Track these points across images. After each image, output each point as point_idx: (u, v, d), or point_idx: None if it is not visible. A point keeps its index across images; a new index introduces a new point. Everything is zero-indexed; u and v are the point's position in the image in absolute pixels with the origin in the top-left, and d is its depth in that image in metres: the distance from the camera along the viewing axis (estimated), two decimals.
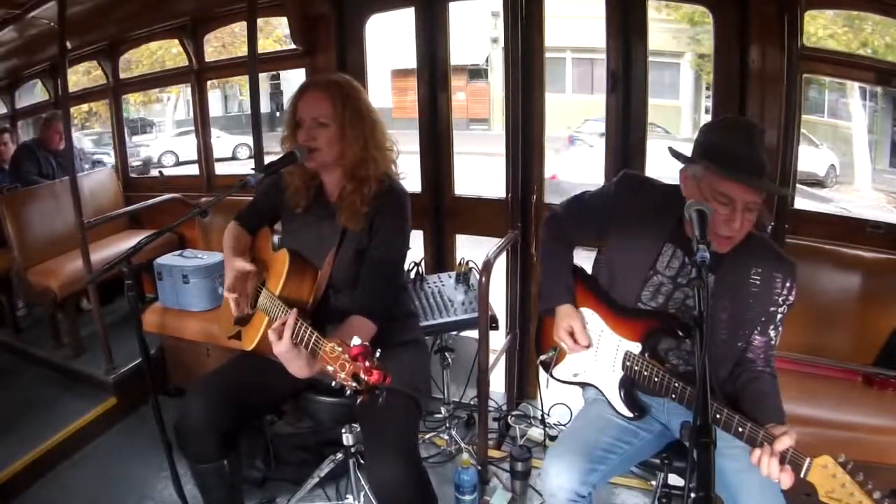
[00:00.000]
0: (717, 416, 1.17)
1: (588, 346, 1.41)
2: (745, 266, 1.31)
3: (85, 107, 9.18)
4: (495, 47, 11.81)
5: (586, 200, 1.50)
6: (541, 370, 1.55)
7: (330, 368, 1.11)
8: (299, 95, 1.49)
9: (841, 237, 2.09)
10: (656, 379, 1.30)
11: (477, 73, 12.53)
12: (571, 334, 1.41)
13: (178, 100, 11.99)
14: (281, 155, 1.47)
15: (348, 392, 1.10)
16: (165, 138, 11.50)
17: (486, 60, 12.42)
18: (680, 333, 1.32)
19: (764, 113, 2.08)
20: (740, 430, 1.16)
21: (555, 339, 1.45)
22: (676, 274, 1.36)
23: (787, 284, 1.31)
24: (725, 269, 1.30)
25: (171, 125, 12.26)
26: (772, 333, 1.33)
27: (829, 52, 2.24)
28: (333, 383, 1.11)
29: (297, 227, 1.56)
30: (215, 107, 11.98)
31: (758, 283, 1.31)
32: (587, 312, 1.44)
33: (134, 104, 11.56)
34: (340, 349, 1.10)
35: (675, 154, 1.33)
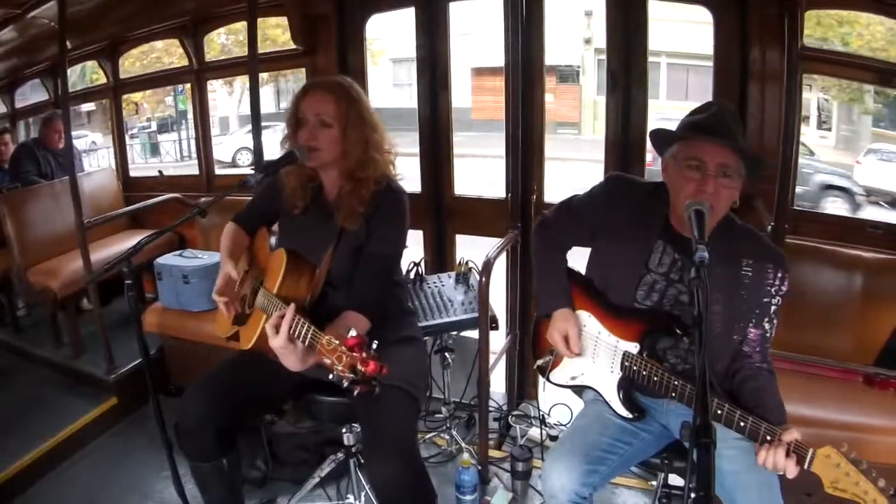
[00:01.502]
0: (718, 411, 1.18)
1: (578, 355, 1.42)
2: (735, 257, 1.31)
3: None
4: (588, 48, 11.20)
5: (575, 204, 1.50)
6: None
7: (327, 361, 1.12)
8: (302, 95, 1.49)
9: (841, 237, 2.10)
10: (656, 378, 1.30)
11: (568, 74, 11.72)
12: (565, 339, 1.41)
13: (243, 93, 10.68)
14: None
15: (345, 384, 1.11)
16: (240, 134, 10.03)
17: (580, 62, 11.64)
18: (678, 332, 1.32)
19: (764, 113, 2.08)
20: (741, 424, 1.17)
21: (548, 339, 1.45)
22: (668, 270, 1.36)
23: (779, 275, 1.31)
24: (716, 261, 1.29)
25: (235, 120, 11.15)
26: (766, 326, 1.33)
27: (829, 52, 2.24)
28: (331, 376, 1.12)
29: (295, 227, 1.56)
30: (267, 103, 10.78)
31: (749, 274, 1.31)
32: (583, 315, 1.44)
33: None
34: (337, 342, 1.11)
35: (655, 141, 1.34)
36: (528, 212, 2.36)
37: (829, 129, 8.01)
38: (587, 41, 11.25)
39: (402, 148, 1.60)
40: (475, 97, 10.13)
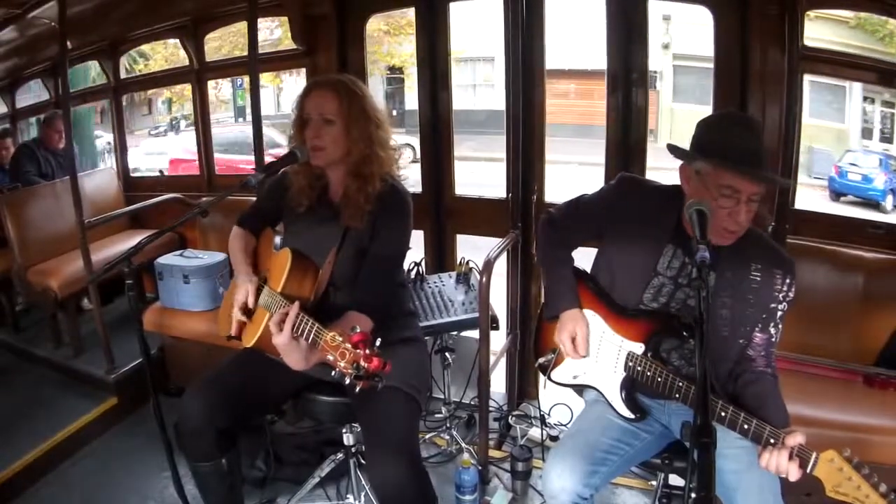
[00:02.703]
0: (723, 413, 1.17)
1: (584, 356, 1.41)
2: (745, 262, 1.31)
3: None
4: (666, 53, 11.00)
5: (584, 204, 1.49)
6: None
7: (330, 357, 1.13)
8: (305, 94, 1.49)
9: (841, 237, 2.09)
10: (660, 379, 1.30)
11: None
12: (573, 340, 1.41)
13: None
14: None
15: (347, 381, 1.11)
16: None
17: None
18: (684, 334, 1.32)
19: (764, 113, 2.08)
20: (745, 426, 1.16)
21: (555, 340, 1.44)
22: (677, 274, 1.36)
23: (787, 281, 1.32)
24: (725, 265, 1.30)
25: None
26: (772, 331, 1.33)
27: (829, 52, 2.24)
28: (333, 372, 1.12)
29: (300, 227, 1.56)
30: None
31: (758, 279, 1.31)
32: (588, 314, 1.43)
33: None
34: (341, 339, 1.12)
35: (676, 151, 1.33)
36: (528, 212, 2.35)
37: (892, 142, 7.92)
38: (665, 46, 10.77)
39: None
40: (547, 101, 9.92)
